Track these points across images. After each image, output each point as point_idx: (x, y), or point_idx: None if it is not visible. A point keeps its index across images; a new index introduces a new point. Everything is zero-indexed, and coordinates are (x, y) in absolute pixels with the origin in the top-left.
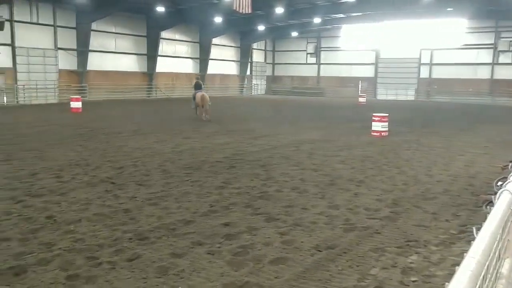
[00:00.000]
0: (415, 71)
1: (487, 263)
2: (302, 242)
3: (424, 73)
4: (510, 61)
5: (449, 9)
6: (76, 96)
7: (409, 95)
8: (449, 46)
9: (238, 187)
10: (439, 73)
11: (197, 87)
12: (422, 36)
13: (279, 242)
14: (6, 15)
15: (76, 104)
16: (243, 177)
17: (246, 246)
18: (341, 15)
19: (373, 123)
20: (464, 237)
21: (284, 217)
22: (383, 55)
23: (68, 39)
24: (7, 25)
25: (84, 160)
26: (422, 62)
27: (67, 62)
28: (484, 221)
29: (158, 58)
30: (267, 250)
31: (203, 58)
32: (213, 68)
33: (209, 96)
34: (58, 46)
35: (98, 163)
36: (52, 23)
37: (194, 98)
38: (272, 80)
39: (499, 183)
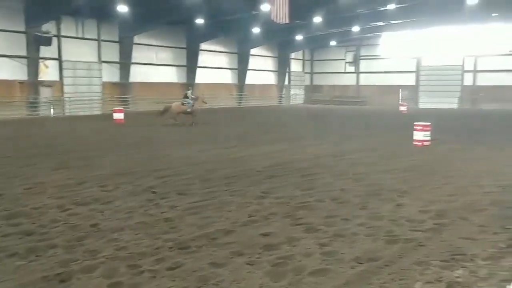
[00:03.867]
0: (458, 79)
1: None
2: (343, 253)
3: (468, 80)
4: None
5: (494, 14)
6: (119, 107)
7: (452, 103)
8: (494, 53)
9: (278, 197)
10: (484, 80)
11: None
12: (466, 42)
13: (320, 253)
14: (54, 31)
15: (119, 115)
16: (284, 187)
17: (286, 257)
18: (382, 23)
19: (415, 132)
20: None
21: (325, 227)
22: (424, 63)
23: (111, 52)
24: (54, 40)
25: (129, 169)
26: (465, 69)
27: (111, 74)
28: None
29: (197, 69)
30: (307, 261)
31: (242, 69)
32: (251, 78)
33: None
34: (102, 59)
35: (142, 172)
36: (96, 37)
37: None
38: (312, 89)
39: None
